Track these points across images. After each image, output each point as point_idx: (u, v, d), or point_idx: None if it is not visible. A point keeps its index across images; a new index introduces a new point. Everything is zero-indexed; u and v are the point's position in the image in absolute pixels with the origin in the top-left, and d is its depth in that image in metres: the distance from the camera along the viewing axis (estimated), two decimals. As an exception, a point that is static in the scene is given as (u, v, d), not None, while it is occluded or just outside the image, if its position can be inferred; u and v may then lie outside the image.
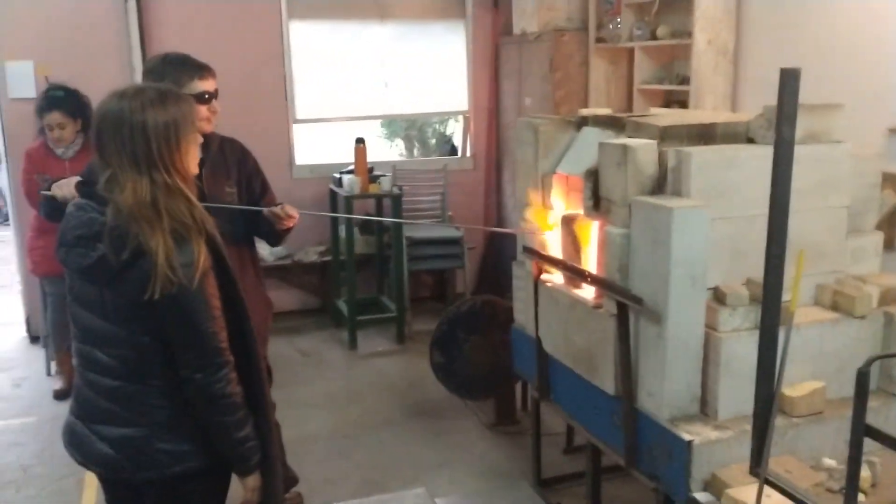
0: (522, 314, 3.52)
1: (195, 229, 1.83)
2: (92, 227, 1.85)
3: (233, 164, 2.94)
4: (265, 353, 3.02)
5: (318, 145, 7.44)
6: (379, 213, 5.86)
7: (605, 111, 3.35)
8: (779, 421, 2.27)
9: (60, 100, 4.52)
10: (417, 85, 6.34)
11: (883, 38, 3.58)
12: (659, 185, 2.64)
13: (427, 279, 6.58)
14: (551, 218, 3.21)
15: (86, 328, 1.94)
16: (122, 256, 1.78)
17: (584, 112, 3.29)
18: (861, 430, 1.66)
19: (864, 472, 2.20)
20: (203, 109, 2.69)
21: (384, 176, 5.59)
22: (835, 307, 2.71)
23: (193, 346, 1.85)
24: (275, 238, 2.97)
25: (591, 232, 2.88)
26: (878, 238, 2.91)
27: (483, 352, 4.10)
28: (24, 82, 5.35)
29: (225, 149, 2.94)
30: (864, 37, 3.67)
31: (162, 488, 1.97)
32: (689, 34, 4.45)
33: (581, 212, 2.92)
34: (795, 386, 2.55)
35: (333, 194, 5.79)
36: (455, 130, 8.96)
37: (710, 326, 2.54)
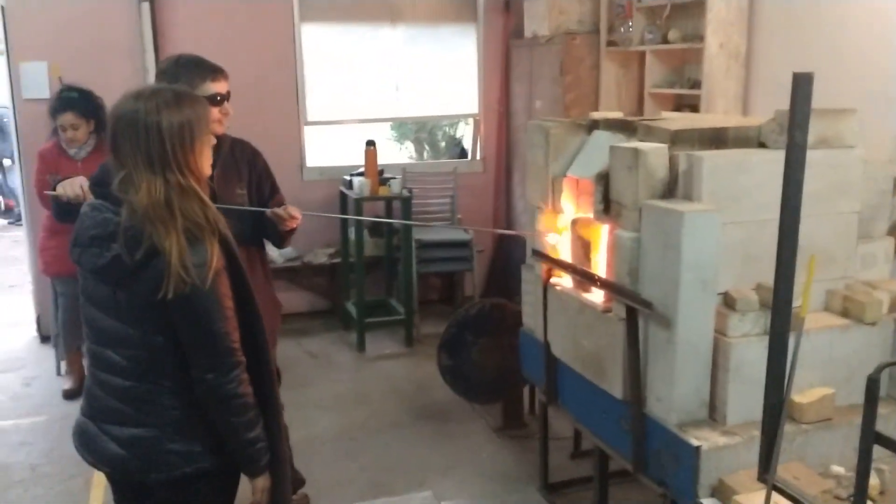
0: (531, 318, 3.52)
1: (208, 230, 1.84)
2: (107, 227, 1.86)
3: (244, 166, 2.95)
4: (274, 355, 3.02)
5: (329, 147, 7.45)
6: (389, 215, 5.87)
7: (616, 114, 3.35)
8: (787, 427, 2.25)
9: (74, 101, 4.54)
10: (428, 88, 6.35)
11: (895, 42, 3.56)
12: (670, 189, 2.63)
13: (436, 282, 6.58)
14: (561, 221, 3.21)
15: (98, 328, 1.95)
16: (136, 256, 1.79)
17: (595, 115, 3.29)
18: (870, 437, 1.65)
19: (873, 480, 2.19)
20: (215, 111, 2.69)
21: (394, 178, 5.60)
22: (845, 313, 2.70)
23: (205, 347, 1.86)
24: (279, 239, 2.97)
25: (601, 235, 2.88)
26: (889, 244, 2.90)
27: (491, 355, 4.10)
28: (38, 83, 5.37)
29: (236, 150, 2.94)
30: (875, 41, 3.65)
31: (171, 489, 1.97)
32: (701, 38, 4.44)
33: (591, 215, 2.92)
34: (804, 392, 2.53)
35: (344, 196, 5.80)
36: (465, 133, 8.97)
37: (720, 331, 2.53)
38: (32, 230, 5.44)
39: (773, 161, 2.46)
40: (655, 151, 2.61)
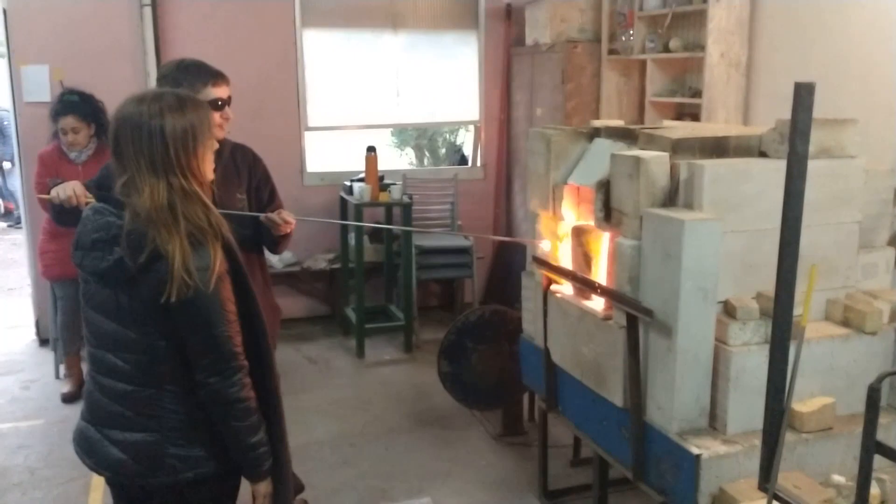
0: (531, 325, 3.52)
1: (211, 234, 1.84)
2: (109, 230, 1.86)
3: (244, 171, 2.95)
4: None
5: (330, 153, 7.46)
6: (389, 221, 5.87)
7: (617, 122, 3.35)
8: (788, 436, 2.25)
9: (75, 104, 4.55)
10: (429, 94, 6.36)
11: (896, 53, 3.57)
12: (671, 198, 2.63)
13: (435, 288, 6.58)
14: (562, 229, 3.21)
15: (99, 332, 1.94)
16: (139, 260, 1.79)
17: (597, 123, 3.30)
18: (871, 446, 1.65)
19: (874, 490, 2.18)
20: (216, 116, 2.69)
21: (395, 184, 5.60)
22: (845, 323, 2.70)
23: (208, 350, 1.86)
24: (273, 245, 2.96)
25: (602, 243, 2.88)
26: (890, 254, 2.91)
27: (491, 362, 4.10)
28: (39, 86, 5.38)
29: (237, 155, 2.94)
30: (877, 51, 3.66)
31: (172, 494, 1.97)
32: (702, 47, 4.46)
33: (592, 223, 2.92)
34: (805, 401, 2.54)
35: (344, 202, 5.81)
36: (465, 140, 8.98)
37: (721, 340, 2.53)
38: (32, 233, 5.44)
39: (773, 170, 2.47)
40: (656, 160, 2.61)
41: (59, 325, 4.85)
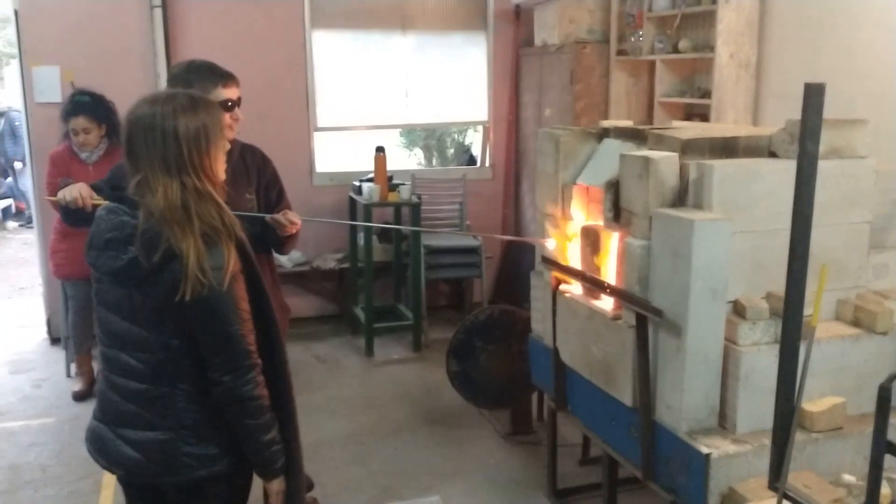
0: (540, 324, 3.53)
1: (225, 233, 1.85)
2: (123, 230, 1.87)
3: (253, 172, 2.96)
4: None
5: (339, 153, 7.48)
6: (397, 221, 5.88)
7: (626, 123, 3.36)
8: (798, 436, 2.25)
9: (86, 105, 4.58)
10: (438, 95, 6.37)
11: (907, 53, 3.56)
12: (680, 198, 2.64)
13: (444, 288, 6.59)
14: (571, 229, 3.21)
15: (113, 332, 1.95)
16: (153, 259, 1.80)
17: (606, 124, 3.30)
18: (882, 446, 1.65)
19: (885, 489, 2.18)
20: (226, 117, 2.70)
21: (403, 184, 5.61)
22: (856, 323, 2.70)
23: (222, 349, 1.87)
24: (279, 245, 2.97)
25: (611, 243, 2.88)
26: (901, 254, 2.90)
27: (500, 361, 4.10)
28: (50, 87, 5.41)
29: (246, 156, 2.96)
30: (887, 51, 3.65)
31: (185, 492, 1.97)
32: (712, 48, 4.45)
33: (601, 223, 2.93)
34: (815, 401, 2.53)
35: (353, 202, 5.82)
36: (474, 140, 8.99)
37: (730, 340, 2.53)
38: (43, 233, 5.47)
39: (783, 170, 2.47)
40: (666, 160, 2.62)
41: (70, 324, 4.88)
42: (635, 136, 3.03)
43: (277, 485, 2.02)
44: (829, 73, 3.79)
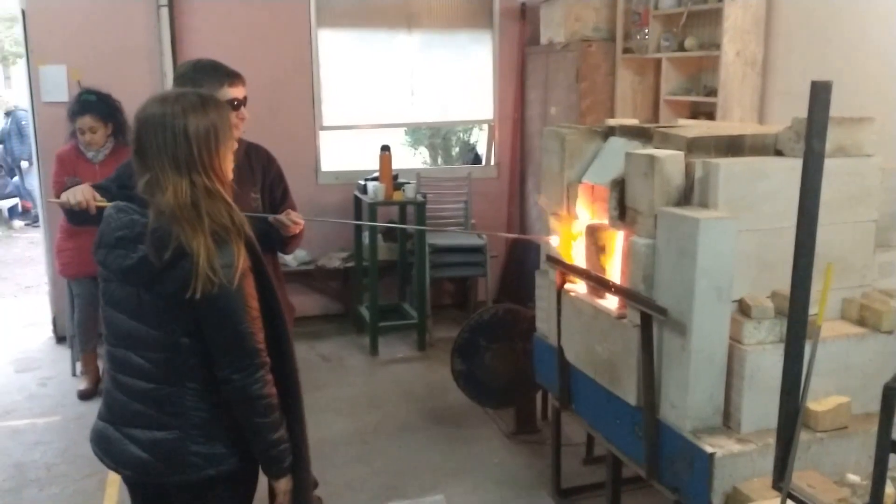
0: (544, 323, 3.52)
1: (234, 231, 1.86)
2: (134, 228, 1.87)
3: (258, 171, 2.96)
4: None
5: (344, 152, 7.49)
6: (402, 219, 5.89)
7: (632, 121, 3.35)
8: (803, 435, 2.25)
9: (92, 104, 4.59)
10: (443, 93, 6.37)
11: (914, 51, 3.55)
12: (686, 196, 2.63)
13: (449, 287, 6.59)
14: (576, 227, 3.21)
15: (120, 331, 1.95)
16: (163, 257, 1.80)
17: (611, 122, 3.29)
18: (886, 445, 1.64)
19: (889, 489, 2.17)
20: (231, 116, 2.71)
21: (409, 183, 5.62)
22: (861, 322, 2.69)
23: (232, 347, 1.87)
24: (282, 245, 2.97)
25: (616, 242, 2.88)
26: (907, 253, 2.89)
27: (504, 360, 4.10)
28: (57, 86, 5.43)
29: (251, 155, 2.96)
30: (893, 49, 3.64)
31: (192, 492, 1.97)
32: (718, 46, 4.44)
33: (606, 221, 2.92)
34: (820, 400, 2.53)
35: (358, 201, 5.83)
36: (479, 139, 8.99)
37: (735, 339, 2.53)
38: (49, 232, 5.49)
39: (789, 169, 2.46)
40: (671, 158, 2.61)
41: (76, 323, 4.90)
42: (641, 134, 3.03)
43: (285, 483, 2.02)
44: (835, 70, 3.78)
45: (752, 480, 2.38)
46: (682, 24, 4.82)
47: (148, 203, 1.86)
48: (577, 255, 3.20)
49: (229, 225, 1.85)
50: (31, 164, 9.20)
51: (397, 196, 5.50)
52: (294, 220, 2.82)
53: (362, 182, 5.71)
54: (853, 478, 2.36)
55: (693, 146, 2.69)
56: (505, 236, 6.40)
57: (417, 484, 3.76)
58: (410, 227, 5.70)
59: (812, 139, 1.74)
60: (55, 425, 4.41)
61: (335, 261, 6.01)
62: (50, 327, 5.86)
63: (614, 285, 2.84)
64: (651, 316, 2.59)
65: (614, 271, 2.90)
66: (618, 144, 3.09)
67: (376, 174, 5.57)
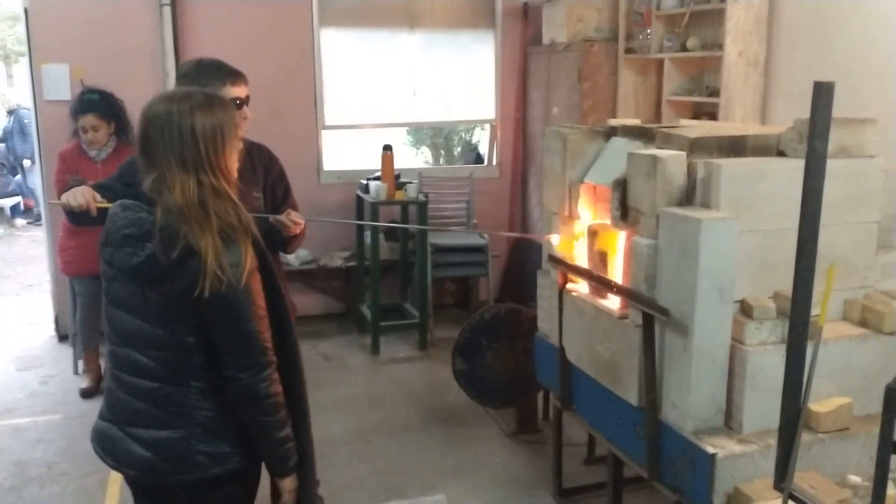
0: (546, 323, 3.52)
1: (241, 230, 1.86)
2: (141, 226, 1.87)
3: (260, 170, 2.96)
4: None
5: (346, 151, 7.49)
6: (404, 219, 5.89)
7: (634, 122, 3.35)
8: (804, 436, 2.25)
9: (95, 103, 4.59)
10: (445, 93, 6.37)
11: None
12: (688, 197, 2.63)
13: (450, 286, 6.59)
14: (578, 227, 3.21)
15: (124, 330, 1.95)
16: (171, 255, 1.80)
17: (613, 122, 3.29)
18: (888, 447, 1.64)
19: (890, 490, 2.17)
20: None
21: (410, 183, 5.62)
22: (863, 323, 2.69)
23: (238, 346, 1.87)
24: (283, 245, 2.96)
25: (618, 242, 2.88)
26: (909, 254, 2.88)
27: (506, 360, 4.10)
28: (60, 85, 5.43)
29: (253, 154, 2.96)
30: (897, 51, 3.64)
31: (196, 490, 1.97)
32: (720, 46, 4.44)
33: (608, 222, 2.92)
34: (822, 401, 2.53)
35: (360, 200, 5.83)
36: (481, 139, 8.99)
37: (737, 339, 2.53)
38: (52, 230, 5.49)
39: (792, 169, 2.46)
40: (674, 158, 2.61)
41: (78, 321, 4.90)
42: (643, 134, 3.03)
43: (290, 482, 2.02)
44: (838, 71, 3.77)
45: (753, 481, 2.37)
46: (685, 24, 4.82)
47: (154, 201, 1.86)
48: (579, 255, 3.20)
49: (236, 224, 1.85)
50: (33, 162, 9.21)
51: (399, 196, 5.50)
52: (294, 220, 2.82)
53: (364, 181, 5.71)
54: (854, 479, 2.36)
55: (695, 146, 2.69)
56: (507, 235, 6.41)
57: (418, 483, 3.76)
58: (412, 227, 5.70)
59: (814, 140, 1.74)
60: (56, 424, 4.41)
61: (337, 260, 6.01)
62: (52, 326, 5.87)
63: (616, 285, 2.84)
64: (653, 316, 2.59)
65: (616, 271, 2.90)
66: (620, 145, 3.09)
67: (378, 174, 5.58)
